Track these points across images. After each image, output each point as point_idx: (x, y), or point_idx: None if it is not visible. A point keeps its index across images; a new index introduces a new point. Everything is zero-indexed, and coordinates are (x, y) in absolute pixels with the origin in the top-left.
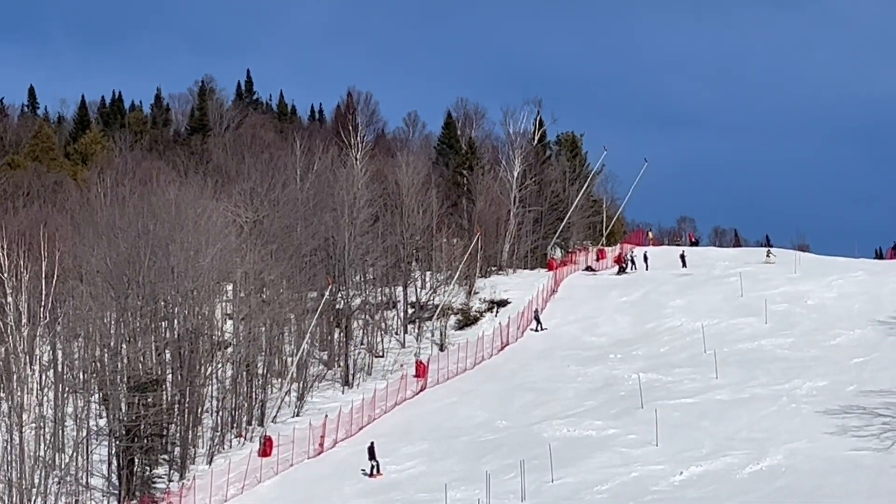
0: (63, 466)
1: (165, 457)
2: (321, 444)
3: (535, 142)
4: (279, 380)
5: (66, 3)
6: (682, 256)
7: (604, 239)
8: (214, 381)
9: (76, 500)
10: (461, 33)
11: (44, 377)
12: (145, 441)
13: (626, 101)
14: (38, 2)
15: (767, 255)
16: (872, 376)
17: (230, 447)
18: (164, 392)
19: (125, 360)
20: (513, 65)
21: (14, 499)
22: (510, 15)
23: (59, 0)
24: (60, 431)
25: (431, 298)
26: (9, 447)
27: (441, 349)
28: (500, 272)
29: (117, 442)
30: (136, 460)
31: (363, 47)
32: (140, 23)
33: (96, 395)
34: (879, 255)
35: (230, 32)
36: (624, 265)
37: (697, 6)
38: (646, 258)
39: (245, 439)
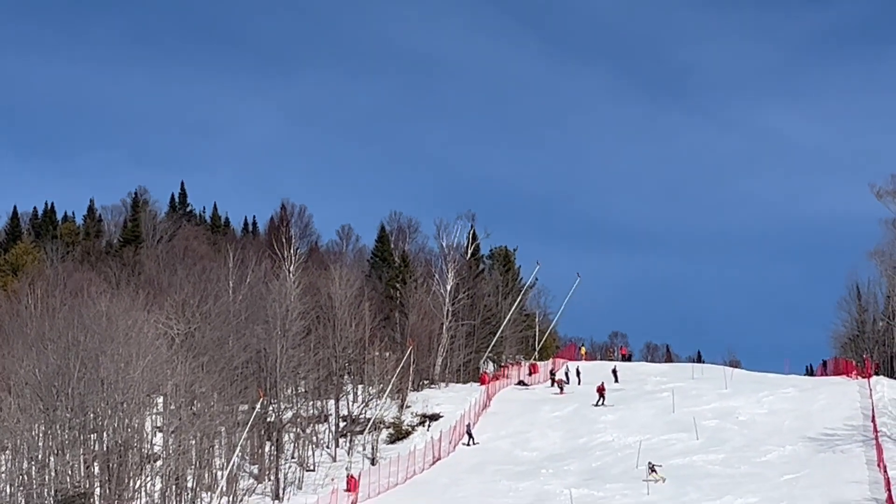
0: None
1: None
2: None
3: (469, 256)
4: (209, 493)
5: (4, 113)
6: (615, 371)
7: (536, 353)
8: (143, 494)
9: None
10: (395, 147)
11: None
12: None
13: (560, 217)
14: None
15: (651, 472)
16: (803, 493)
17: None
18: None
19: (53, 473)
20: (447, 178)
21: None
22: (445, 129)
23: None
24: None
25: (363, 412)
26: None
27: (372, 463)
28: (433, 386)
29: None
30: None
31: (298, 160)
32: (76, 135)
33: None
34: (810, 372)
35: (165, 145)
36: (560, 384)
37: (643, 126)
38: (578, 373)
39: None
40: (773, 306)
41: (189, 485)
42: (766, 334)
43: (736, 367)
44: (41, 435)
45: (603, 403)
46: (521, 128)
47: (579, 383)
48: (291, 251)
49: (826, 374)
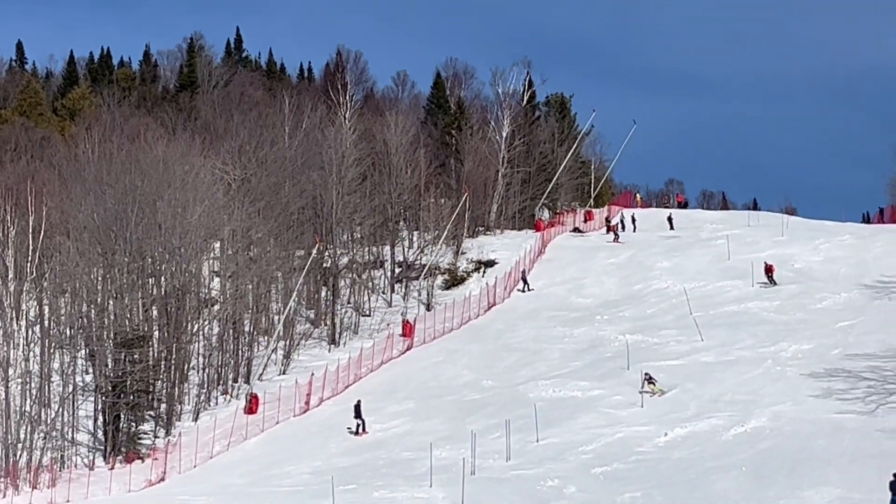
0: (49, 422)
1: (151, 413)
2: (307, 403)
3: (524, 102)
4: (266, 338)
5: None
6: (670, 219)
7: (592, 200)
8: (201, 338)
9: (61, 455)
10: None
11: (30, 332)
12: (131, 397)
13: (616, 62)
14: None
15: (648, 382)
16: (858, 340)
17: (216, 404)
18: (151, 349)
19: (112, 317)
20: (503, 24)
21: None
22: None
23: None
24: (46, 387)
25: (419, 258)
26: None
27: (428, 309)
28: (488, 233)
29: (103, 398)
30: (122, 416)
31: (353, 5)
32: None
33: (83, 351)
34: (867, 220)
35: None
36: (615, 231)
37: None
38: (633, 220)
39: (231, 397)
40: (830, 152)
41: (246, 329)
42: (822, 181)
43: (792, 214)
44: (100, 279)
45: (773, 281)
46: None
47: (634, 230)
48: (347, 97)
49: (883, 222)
